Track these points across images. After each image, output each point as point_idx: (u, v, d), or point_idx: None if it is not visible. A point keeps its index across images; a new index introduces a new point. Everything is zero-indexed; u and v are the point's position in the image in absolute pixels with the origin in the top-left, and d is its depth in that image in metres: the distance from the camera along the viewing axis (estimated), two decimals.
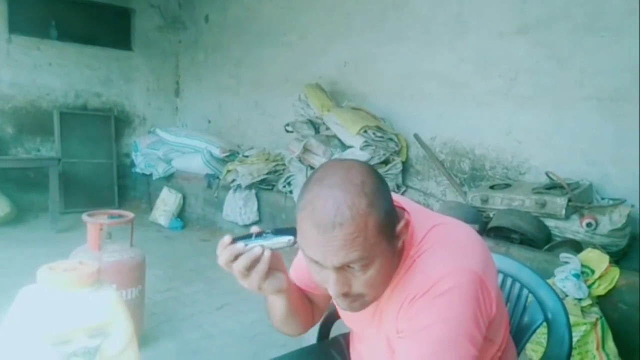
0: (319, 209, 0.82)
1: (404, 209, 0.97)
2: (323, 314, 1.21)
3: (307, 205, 0.84)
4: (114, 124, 6.10)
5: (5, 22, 5.35)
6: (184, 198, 5.32)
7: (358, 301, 0.92)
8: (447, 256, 0.90)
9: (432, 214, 1.03)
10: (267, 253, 0.92)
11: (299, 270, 1.13)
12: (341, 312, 1.14)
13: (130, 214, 2.48)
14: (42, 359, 0.99)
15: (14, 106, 5.49)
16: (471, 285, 0.86)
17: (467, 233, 1.00)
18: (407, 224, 0.89)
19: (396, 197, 1.01)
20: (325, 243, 0.82)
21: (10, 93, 5.46)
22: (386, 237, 0.85)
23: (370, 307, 0.97)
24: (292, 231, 0.91)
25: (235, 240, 0.93)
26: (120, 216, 2.48)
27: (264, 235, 0.93)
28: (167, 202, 5.25)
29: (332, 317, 1.35)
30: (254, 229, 0.96)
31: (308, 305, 1.16)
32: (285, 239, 0.92)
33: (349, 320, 1.13)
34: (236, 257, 0.93)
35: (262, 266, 0.93)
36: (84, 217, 2.32)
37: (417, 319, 0.87)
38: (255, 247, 0.92)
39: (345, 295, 0.89)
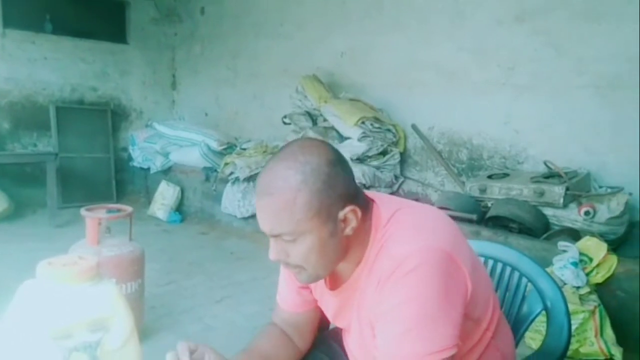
0: (261, 176, 0.91)
1: (373, 200, 0.99)
2: (310, 342, 1.23)
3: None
4: (110, 118, 6.07)
5: (0, 16, 5.31)
6: (182, 191, 5.31)
7: (301, 274, 0.97)
8: (411, 237, 0.91)
9: (398, 199, 1.04)
10: None
11: (284, 291, 1.19)
12: (328, 314, 1.17)
13: (128, 208, 2.47)
14: (44, 353, 0.99)
15: (9, 101, 5.46)
16: (437, 261, 0.87)
17: (432, 213, 1.01)
18: (353, 211, 0.90)
19: (367, 192, 1.04)
20: (259, 210, 0.91)
21: (6, 88, 5.42)
22: (319, 216, 0.87)
23: (349, 299, 1.00)
24: None
25: None
26: (118, 210, 2.47)
27: None
28: (165, 195, 5.25)
29: None
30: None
31: (284, 355, 1.17)
32: None
33: (334, 319, 1.15)
34: None
35: None
36: (82, 211, 2.31)
37: (387, 301, 0.88)
38: None
39: (286, 264, 0.95)
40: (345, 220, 0.90)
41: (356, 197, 0.93)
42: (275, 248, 0.93)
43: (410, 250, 0.88)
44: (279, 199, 0.86)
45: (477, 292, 0.95)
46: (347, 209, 0.89)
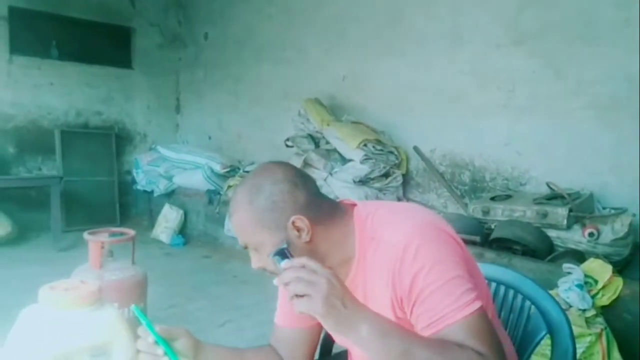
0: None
1: (354, 204, 1.11)
2: None
3: None
4: (114, 141, 6.12)
5: (7, 43, 5.40)
6: (186, 214, 5.32)
7: None
8: (399, 224, 1.01)
9: (376, 202, 1.18)
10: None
11: (281, 307, 1.24)
12: (335, 336, 1.17)
13: (131, 232, 2.47)
14: None
15: (15, 126, 5.52)
16: (431, 233, 0.98)
17: (407, 205, 1.22)
18: (300, 219, 1.00)
19: (349, 200, 1.15)
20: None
21: (12, 113, 5.49)
22: (269, 228, 1.00)
23: None
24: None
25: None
26: (121, 234, 2.48)
27: None
28: (168, 218, 5.25)
29: None
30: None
31: None
32: None
33: (341, 340, 1.15)
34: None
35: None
36: (85, 235, 2.32)
37: (414, 282, 0.94)
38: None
39: (265, 271, 1.06)
40: (297, 228, 1.00)
41: (307, 207, 1.02)
42: (254, 258, 1.06)
43: (405, 233, 0.97)
44: (236, 218, 1.03)
45: (468, 258, 1.03)
46: (293, 217, 1.00)
